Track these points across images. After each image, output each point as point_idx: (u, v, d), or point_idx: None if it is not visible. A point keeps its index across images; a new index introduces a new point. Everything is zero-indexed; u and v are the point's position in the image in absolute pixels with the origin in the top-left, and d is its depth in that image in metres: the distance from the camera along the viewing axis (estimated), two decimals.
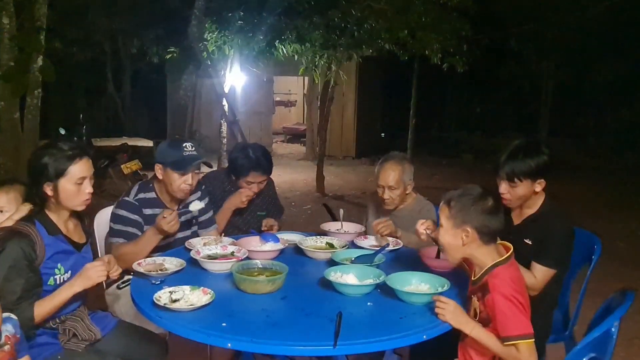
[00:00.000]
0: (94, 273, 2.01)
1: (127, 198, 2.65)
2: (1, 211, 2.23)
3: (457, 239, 1.94)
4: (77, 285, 2.02)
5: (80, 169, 2.07)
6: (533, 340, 1.81)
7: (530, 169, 2.33)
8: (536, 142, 2.48)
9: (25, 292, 1.93)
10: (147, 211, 2.65)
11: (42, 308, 1.97)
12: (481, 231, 1.90)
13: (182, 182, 2.62)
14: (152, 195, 2.70)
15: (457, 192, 1.97)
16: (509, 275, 1.89)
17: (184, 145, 2.64)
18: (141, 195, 2.68)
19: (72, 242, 2.16)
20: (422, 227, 2.33)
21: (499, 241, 2.03)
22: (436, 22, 8.21)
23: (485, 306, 1.89)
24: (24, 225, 2.01)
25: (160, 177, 2.67)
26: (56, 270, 2.07)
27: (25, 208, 2.12)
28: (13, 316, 1.77)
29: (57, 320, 2.12)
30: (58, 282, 2.07)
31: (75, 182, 2.06)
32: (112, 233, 2.62)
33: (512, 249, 1.96)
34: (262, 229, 3.04)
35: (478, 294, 1.94)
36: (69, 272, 2.11)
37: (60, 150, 2.06)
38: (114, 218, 2.62)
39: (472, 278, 1.99)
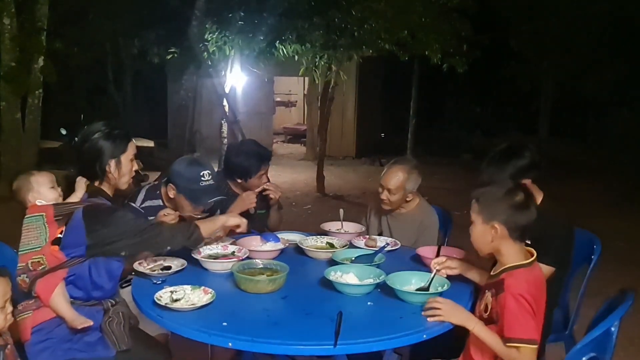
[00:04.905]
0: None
1: (132, 204, 2.64)
2: (52, 187, 2.21)
3: (487, 235, 1.92)
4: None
5: (133, 147, 2.25)
6: (536, 347, 1.79)
7: (505, 173, 2.33)
8: (519, 145, 2.45)
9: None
10: (153, 220, 2.64)
11: (206, 226, 2.22)
12: (509, 227, 1.89)
13: (192, 210, 2.63)
14: (158, 202, 2.70)
15: (487, 187, 1.97)
16: (527, 278, 1.86)
17: (201, 174, 2.59)
18: (148, 203, 2.68)
19: None
20: (441, 267, 2.17)
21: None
22: (436, 23, 8.21)
23: (497, 304, 1.88)
24: (96, 200, 2.10)
25: (172, 196, 2.65)
26: None
27: (83, 184, 2.16)
28: None
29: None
30: None
31: (130, 159, 2.21)
32: None
33: (535, 255, 1.94)
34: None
35: (492, 289, 1.93)
36: None
37: (117, 129, 2.20)
38: None
39: (491, 273, 1.99)
